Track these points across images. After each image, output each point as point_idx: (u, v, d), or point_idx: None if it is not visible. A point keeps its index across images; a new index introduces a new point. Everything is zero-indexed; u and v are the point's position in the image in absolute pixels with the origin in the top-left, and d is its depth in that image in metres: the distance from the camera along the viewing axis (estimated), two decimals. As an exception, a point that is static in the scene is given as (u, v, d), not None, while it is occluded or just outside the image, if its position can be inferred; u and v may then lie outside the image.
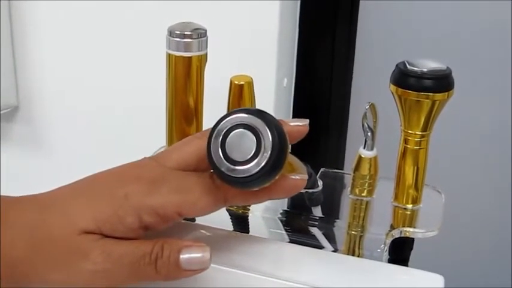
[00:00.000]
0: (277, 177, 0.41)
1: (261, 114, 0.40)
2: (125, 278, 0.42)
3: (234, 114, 0.40)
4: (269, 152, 0.39)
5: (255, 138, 0.39)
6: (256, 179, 0.39)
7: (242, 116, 0.40)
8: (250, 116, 0.40)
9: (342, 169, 0.62)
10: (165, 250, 0.42)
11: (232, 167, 0.39)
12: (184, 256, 0.42)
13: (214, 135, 0.40)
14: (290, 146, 0.42)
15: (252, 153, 0.39)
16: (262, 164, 0.39)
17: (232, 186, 0.41)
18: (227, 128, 0.40)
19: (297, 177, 0.44)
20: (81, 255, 0.41)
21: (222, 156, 0.40)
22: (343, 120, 0.99)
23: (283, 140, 0.39)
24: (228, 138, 0.40)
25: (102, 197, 0.43)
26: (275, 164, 0.39)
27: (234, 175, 0.39)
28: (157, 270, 0.42)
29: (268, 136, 0.39)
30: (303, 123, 0.44)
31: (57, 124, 1.01)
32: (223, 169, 0.40)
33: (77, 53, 0.95)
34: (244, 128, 0.40)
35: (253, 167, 0.39)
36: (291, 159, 0.46)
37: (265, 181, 0.40)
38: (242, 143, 0.39)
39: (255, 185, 0.40)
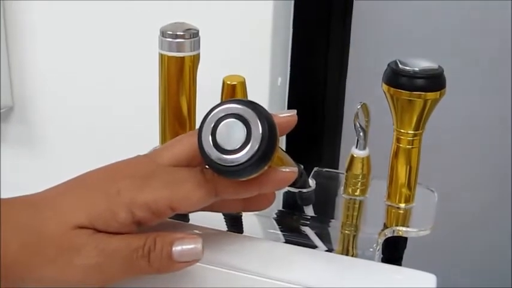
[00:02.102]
0: (266, 168, 0.41)
1: (252, 105, 0.40)
2: (119, 272, 0.42)
3: (225, 104, 0.41)
4: (259, 142, 0.39)
5: (245, 128, 0.40)
6: (245, 168, 0.40)
7: (233, 106, 0.40)
8: (241, 106, 0.40)
9: (337, 169, 0.62)
10: (158, 243, 0.42)
11: (221, 155, 0.40)
12: (176, 248, 0.42)
13: (205, 124, 0.41)
14: (280, 139, 0.42)
15: (241, 143, 0.40)
16: (252, 154, 0.39)
17: (222, 176, 0.41)
18: (218, 117, 0.41)
19: (287, 169, 0.45)
20: (75, 250, 0.41)
21: (212, 145, 0.40)
22: (338, 120, 0.99)
23: (273, 131, 0.40)
24: (218, 128, 0.40)
25: (95, 193, 0.43)
26: (264, 154, 0.39)
27: (223, 164, 0.40)
28: (150, 264, 0.42)
29: (258, 126, 0.39)
30: (291, 114, 0.45)
31: (52, 125, 1.01)
32: (212, 157, 0.40)
33: (71, 54, 0.95)
34: (235, 118, 0.40)
35: (242, 156, 0.39)
36: (282, 154, 0.46)
37: (254, 171, 0.40)
38: (232, 133, 0.40)
39: (244, 174, 0.41)
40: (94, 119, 0.98)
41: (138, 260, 0.42)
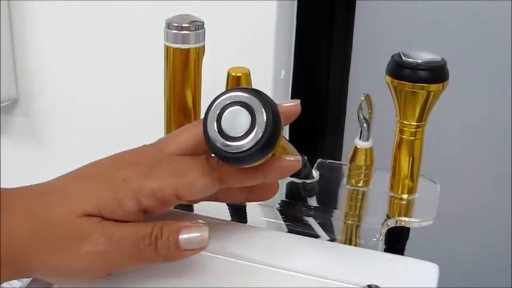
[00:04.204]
0: (270, 155, 0.42)
1: (256, 93, 0.41)
2: (126, 259, 0.43)
3: (230, 92, 0.41)
4: (263, 129, 0.40)
5: (250, 116, 0.40)
6: (250, 155, 0.40)
7: (238, 94, 0.41)
8: (246, 94, 0.41)
9: (341, 160, 0.63)
10: (165, 231, 0.43)
11: (226, 142, 0.41)
12: (183, 236, 0.43)
13: (210, 112, 0.41)
14: (283, 129, 0.42)
15: (246, 130, 0.40)
16: (256, 141, 0.40)
17: (226, 162, 0.42)
18: (223, 105, 0.41)
19: (291, 158, 0.45)
20: (82, 237, 0.42)
21: (217, 132, 0.41)
22: (341, 112, 0.99)
23: (277, 119, 0.40)
24: (223, 115, 0.41)
25: (102, 181, 0.43)
26: (268, 141, 0.40)
27: (228, 150, 0.41)
28: (157, 251, 0.43)
29: (262, 114, 0.40)
30: (295, 103, 0.46)
31: (56, 117, 1.01)
32: (218, 144, 0.41)
33: (76, 47, 0.96)
34: (240, 106, 0.41)
35: (247, 143, 0.40)
36: (285, 144, 0.47)
37: (259, 158, 0.41)
38: (237, 120, 0.41)
39: (248, 161, 0.41)
40: (98, 112, 0.98)
41: (145, 247, 0.42)
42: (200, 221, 0.51)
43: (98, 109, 0.98)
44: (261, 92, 0.41)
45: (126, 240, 0.42)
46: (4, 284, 0.44)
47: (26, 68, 0.99)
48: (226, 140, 0.41)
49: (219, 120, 0.41)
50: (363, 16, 1.00)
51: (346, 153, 0.58)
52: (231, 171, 0.44)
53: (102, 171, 0.45)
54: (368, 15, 1.01)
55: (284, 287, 0.46)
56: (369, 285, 0.44)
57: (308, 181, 0.57)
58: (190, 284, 0.46)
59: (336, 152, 1.00)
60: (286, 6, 0.88)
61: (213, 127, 0.41)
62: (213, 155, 0.44)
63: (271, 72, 0.87)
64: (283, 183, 0.58)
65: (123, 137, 0.95)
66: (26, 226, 0.42)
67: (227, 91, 0.42)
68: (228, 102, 0.41)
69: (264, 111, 0.40)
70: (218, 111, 0.41)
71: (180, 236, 0.43)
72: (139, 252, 0.42)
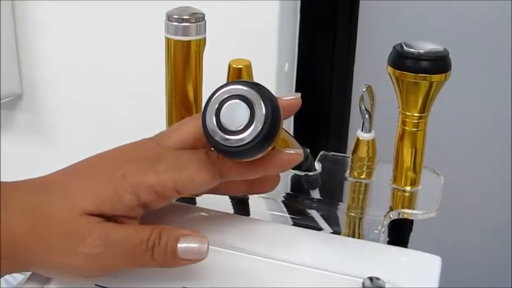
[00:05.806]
0: (270, 149, 0.42)
1: (255, 86, 0.40)
2: (121, 263, 0.42)
3: (229, 85, 0.41)
4: (262, 123, 0.40)
5: (249, 109, 0.40)
6: (249, 148, 0.40)
7: (237, 87, 0.41)
8: (245, 87, 0.40)
9: (345, 153, 0.62)
10: (163, 238, 0.42)
11: (225, 136, 0.40)
12: (181, 245, 0.42)
13: (209, 106, 0.41)
14: (286, 122, 0.42)
15: (245, 124, 0.40)
16: (255, 134, 0.40)
17: (226, 156, 0.42)
18: (222, 98, 0.41)
19: (292, 151, 0.45)
20: (79, 238, 0.42)
21: (216, 126, 0.41)
22: (345, 104, 0.99)
23: (277, 112, 0.40)
24: (222, 108, 0.41)
25: (101, 177, 0.43)
26: (268, 135, 0.40)
27: (227, 144, 0.40)
28: (154, 258, 0.42)
29: (261, 107, 0.40)
30: (295, 97, 0.45)
31: (60, 112, 1.02)
32: (217, 138, 0.41)
33: (80, 42, 0.96)
34: (238, 99, 0.40)
35: (246, 137, 0.40)
36: (287, 137, 0.46)
37: (258, 151, 0.41)
38: (236, 113, 0.40)
39: (247, 155, 0.41)
40: (101, 107, 0.98)
41: (142, 253, 0.42)
42: (202, 213, 0.51)
43: (102, 104, 0.98)
44: (260, 85, 0.41)
45: (122, 244, 0.42)
46: (7, 276, 0.44)
47: (30, 63, 1.00)
48: (225, 133, 0.40)
49: (218, 114, 0.41)
50: (367, 8, 1.00)
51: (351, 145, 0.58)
52: (231, 165, 0.43)
53: (101, 167, 0.44)
54: (372, 7, 1.01)
55: (287, 279, 0.46)
56: (369, 277, 0.44)
57: (310, 173, 0.57)
58: (192, 277, 0.46)
59: (341, 144, 1.00)
60: (289, -1, 0.88)
61: (212, 121, 0.41)
62: (212, 148, 0.43)
63: (275, 65, 0.86)
64: (288, 176, 0.58)
65: (127, 131, 0.95)
66: (25, 222, 0.42)
67: (226, 84, 0.41)
68: (226, 95, 0.41)
69: (263, 105, 0.40)
70: (217, 105, 0.41)
71: (179, 245, 0.42)
72: (136, 257, 0.42)
